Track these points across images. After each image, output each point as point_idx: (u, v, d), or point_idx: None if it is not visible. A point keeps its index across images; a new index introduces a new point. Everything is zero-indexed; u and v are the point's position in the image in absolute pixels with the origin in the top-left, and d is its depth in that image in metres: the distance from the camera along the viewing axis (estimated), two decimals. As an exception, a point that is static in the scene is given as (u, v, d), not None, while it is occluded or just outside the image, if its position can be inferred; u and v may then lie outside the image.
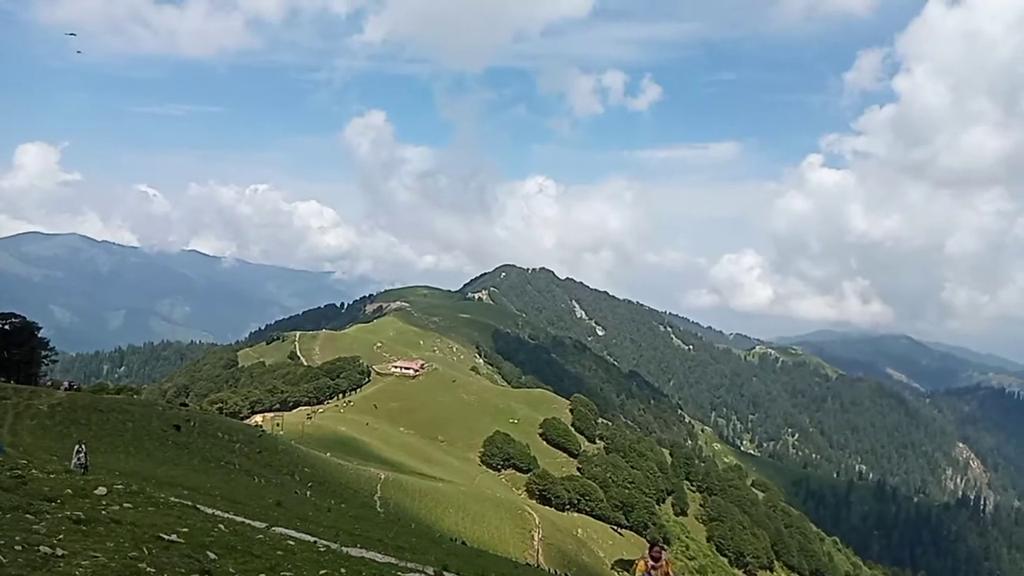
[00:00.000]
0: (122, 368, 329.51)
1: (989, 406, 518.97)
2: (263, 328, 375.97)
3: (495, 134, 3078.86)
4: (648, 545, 14.94)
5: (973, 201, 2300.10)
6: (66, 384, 72.05)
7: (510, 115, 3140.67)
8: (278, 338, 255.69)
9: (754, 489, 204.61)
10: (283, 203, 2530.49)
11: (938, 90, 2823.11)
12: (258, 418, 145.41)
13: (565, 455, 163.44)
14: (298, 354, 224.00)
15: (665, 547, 14.52)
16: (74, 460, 29.06)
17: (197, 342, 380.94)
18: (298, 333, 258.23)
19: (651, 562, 13.82)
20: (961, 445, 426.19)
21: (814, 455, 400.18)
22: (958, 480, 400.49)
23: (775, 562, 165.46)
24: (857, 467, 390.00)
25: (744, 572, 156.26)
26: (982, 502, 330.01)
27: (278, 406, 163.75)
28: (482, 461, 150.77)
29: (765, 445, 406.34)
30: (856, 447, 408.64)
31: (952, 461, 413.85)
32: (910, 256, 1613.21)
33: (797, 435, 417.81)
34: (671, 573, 14.28)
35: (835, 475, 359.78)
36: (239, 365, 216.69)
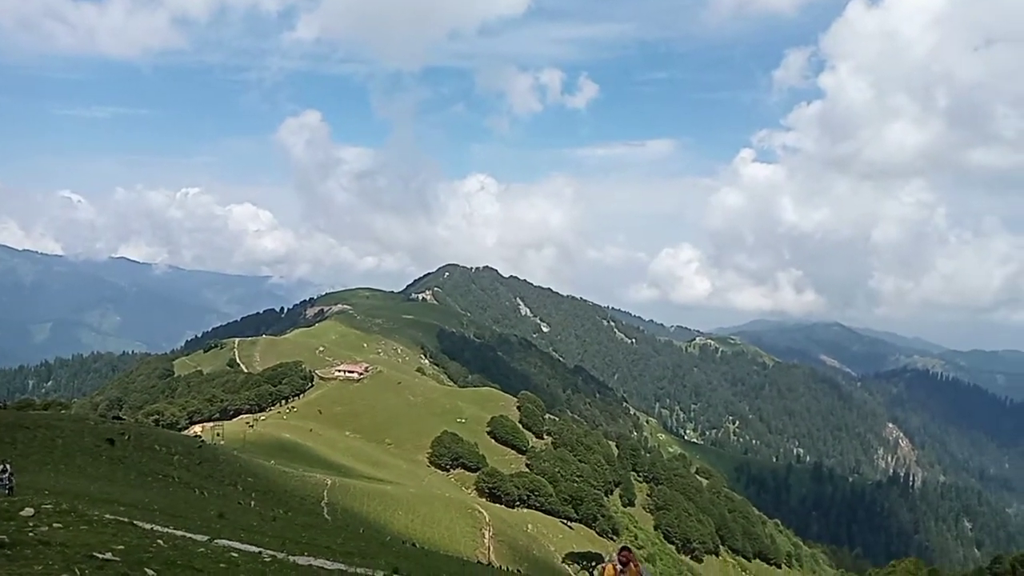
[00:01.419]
0: (49, 382, 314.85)
1: (915, 387, 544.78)
2: (200, 336, 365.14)
3: (434, 133, 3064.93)
4: (617, 549, 14.44)
5: (896, 193, 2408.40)
6: (-12, 401, 68.48)
7: (448, 114, 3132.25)
8: (216, 345, 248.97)
9: (698, 476, 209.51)
10: (216, 207, 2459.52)
11: (860, 87, 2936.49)
12: (197, 428, 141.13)
13: (514, 452, 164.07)
14: (238, 361, 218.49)
15: (633, 549, 14.36)
16: (-2, 481, 27.59)
17: (130, 352, 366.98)
18: (237, 340, 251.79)
19: (619, 566, 13.53)
20: (891, 425, 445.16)
21: (754, 441, 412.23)
22: (889, 459, 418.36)
23: (720, 547, 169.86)
24: (795, 451, 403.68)
25: (691, 558, 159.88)
26: (911, 479, 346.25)
27: (218, 415, 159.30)
28: (430, 462, 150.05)
29: (707, 433, 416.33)
30: (793, 431, 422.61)
31: (883, 441, 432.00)
32: (839, 246, 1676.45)
33: (738, 422, 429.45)
34: (642, 572, 13.98)
35: (774, 459, 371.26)
36: (175, 375, 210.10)
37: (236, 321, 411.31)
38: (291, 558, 20.33)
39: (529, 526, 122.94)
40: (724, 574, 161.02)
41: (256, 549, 20.87)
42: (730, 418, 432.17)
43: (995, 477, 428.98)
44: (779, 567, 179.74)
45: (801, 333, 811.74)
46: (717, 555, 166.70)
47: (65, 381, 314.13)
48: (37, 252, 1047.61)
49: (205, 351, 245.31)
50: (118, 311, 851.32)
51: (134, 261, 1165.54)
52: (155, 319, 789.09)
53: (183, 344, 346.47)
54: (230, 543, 20.95)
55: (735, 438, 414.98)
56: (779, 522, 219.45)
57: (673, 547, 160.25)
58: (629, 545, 15.09)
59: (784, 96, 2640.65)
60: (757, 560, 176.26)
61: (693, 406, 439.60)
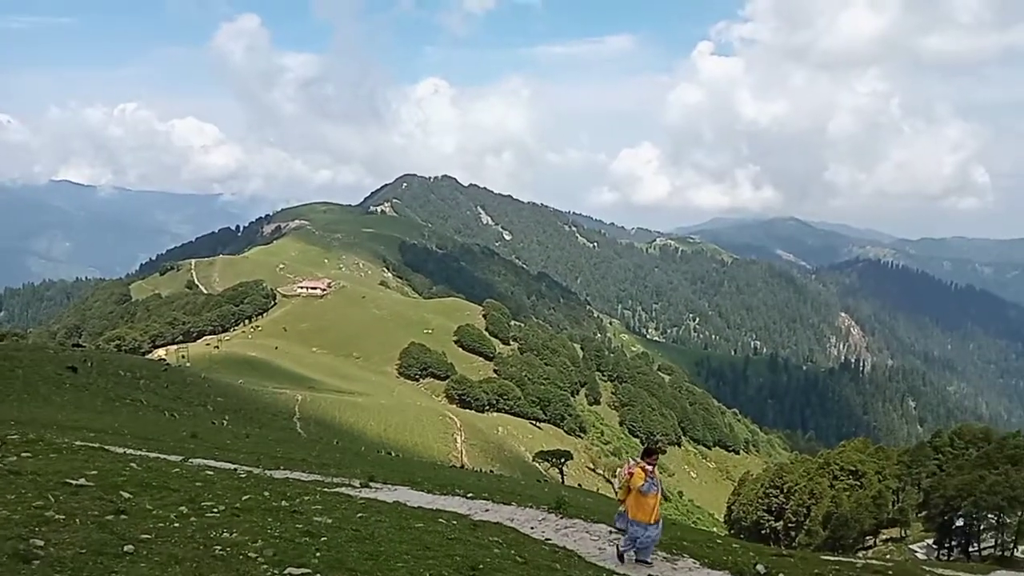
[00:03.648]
0: (1, 313, 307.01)
1: (867, 277, 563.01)
2: (154, 258, 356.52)
3: (381, 35, 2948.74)
4: (643, 450, 12.41)
5: (852, 83, 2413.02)
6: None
7: (396, 12, 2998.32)
8: (172, 267, 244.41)
9: (660, 373, 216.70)
10: (157, 122, 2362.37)
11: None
12: (161, 352, 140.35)
13: (481, 359, 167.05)
14: (196, 283, 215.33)
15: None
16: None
17: (83, 278, 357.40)
18: (193, 261, 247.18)
19: (649, 468, 11.99)
20: (843, 315, 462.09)
21: (714, 336, 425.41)
22: (841, 347, 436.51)
23: (682, 438, 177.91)
24: (752, 343, 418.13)
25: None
26: (861, 364, 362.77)
27: (181, 338, 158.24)
28: (400, 373, 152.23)
29: (669, 331, 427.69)
30: (751, 325, 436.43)
31: (835, 330, 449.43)
32: (795, 140, 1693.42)
33: (697, 319, 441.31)
34: (658, 479, 12.34)
35: (733, 353, 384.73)
36: (133, 299, 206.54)
37: (191, 242, 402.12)
38: (267, 472, 20.62)
39: (499, 429, 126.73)
40: (686, 463, 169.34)
41: (231, 466, 21.11)
42: (690, 315, 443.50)
43: (939, 359, 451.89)
44: (737, 453, 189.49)
45: (759, 229, 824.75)
46: (679, 446, 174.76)
47: (17, 311, 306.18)
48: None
49: (161, 273, 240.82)
50: (67, 236, 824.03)
51: (77, 184, 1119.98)
52: (106, 243, 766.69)
53: (138, 267, 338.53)
54: (204, 462, 21.11)
55: (695, 334, 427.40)
56: (737, 411, 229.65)
57: (637, 440, 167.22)
58: (653, 447, 13.02)
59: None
60: (717, 448, 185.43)
61: (655, 306, 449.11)
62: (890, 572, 13.61)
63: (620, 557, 12.41)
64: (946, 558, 67.69)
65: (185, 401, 66.52)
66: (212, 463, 21.08)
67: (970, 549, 69.65)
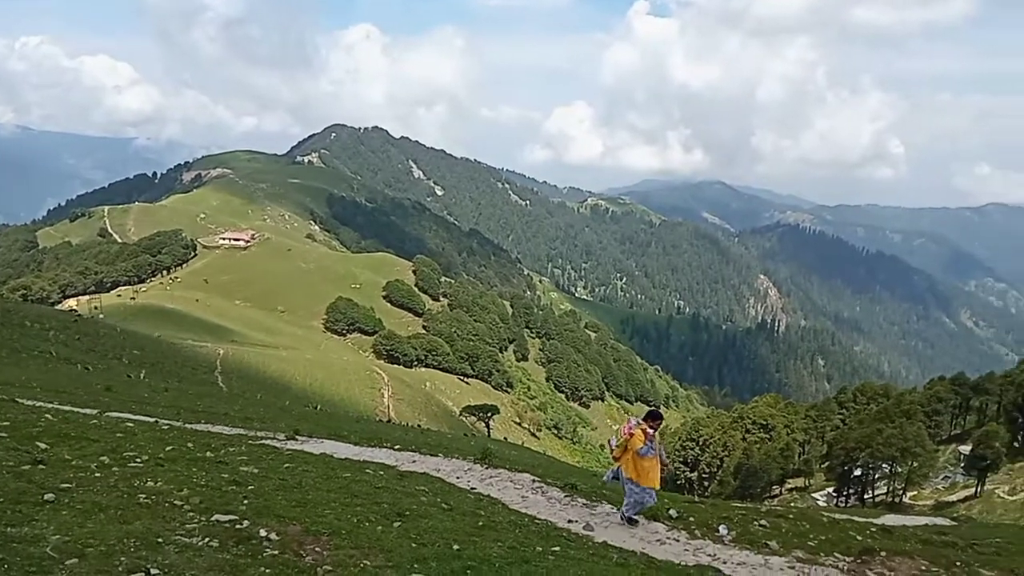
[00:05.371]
0: None
1: (786, 241, 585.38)
2: (63, 204, 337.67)
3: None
4: (647, 412, 11.97)
5: (782, 50, 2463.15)
6: None
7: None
8: (83, 214, 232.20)
9: (587, 330, 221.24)
10: (65, 59, 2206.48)
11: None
12: (72, 302, 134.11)
13: (410, 315, 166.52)
14: (109, 231, 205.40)
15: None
16: None
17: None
18: (107, 208, 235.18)
19: (651, 432, 11.61)
20: (762, 277, 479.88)
21: (640, 296, 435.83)
22: (759, 307, 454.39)
23: (606, 393, 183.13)
24: (676, 303, 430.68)
25: (579, 404, 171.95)
26: (776, 324, 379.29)
27: (93, 288, 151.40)
28: (326, 328, 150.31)
29: (597, 290, 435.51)
30: (675, 285, 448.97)
31: (754, 291, 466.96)
32: (725, 105, 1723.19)
33: (625, 279, 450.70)
34: (659, 444, 11.92)
35: (657, 312, 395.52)
36: (40, 247, 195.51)
37: (103, 187, 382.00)
38: (188, 425, 20.32)
39: (427, 384, 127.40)
40: (609, 417, 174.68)
41: (151, 419, 20.69)
42: (618, 275, 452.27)
43: (848, 320, 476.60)
44: (657, 408, 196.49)
45: (687, 192, 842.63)
46: (603, 400, 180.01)
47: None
48: None
49: (72, 220, 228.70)
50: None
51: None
52: (7, 186, 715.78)
53: (45, 213, 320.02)
54: (122, 415, 20.61)
55: (622, 294, 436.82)
56: (659, 368, 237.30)
57: (563, 396, 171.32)
58: (657, 411, 11.89)
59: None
60: (638, 403, 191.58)
61: (584, 265, 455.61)
62: (790, 515, 14.66)
63: (630, 522, 12.01)
64: (843, 505, 72.76)
65: (99, 354, 64.09)
66: (131, 416, 20.61)
67: (865, 496, 75.00)
